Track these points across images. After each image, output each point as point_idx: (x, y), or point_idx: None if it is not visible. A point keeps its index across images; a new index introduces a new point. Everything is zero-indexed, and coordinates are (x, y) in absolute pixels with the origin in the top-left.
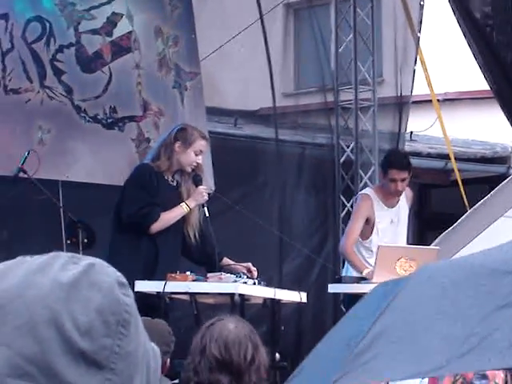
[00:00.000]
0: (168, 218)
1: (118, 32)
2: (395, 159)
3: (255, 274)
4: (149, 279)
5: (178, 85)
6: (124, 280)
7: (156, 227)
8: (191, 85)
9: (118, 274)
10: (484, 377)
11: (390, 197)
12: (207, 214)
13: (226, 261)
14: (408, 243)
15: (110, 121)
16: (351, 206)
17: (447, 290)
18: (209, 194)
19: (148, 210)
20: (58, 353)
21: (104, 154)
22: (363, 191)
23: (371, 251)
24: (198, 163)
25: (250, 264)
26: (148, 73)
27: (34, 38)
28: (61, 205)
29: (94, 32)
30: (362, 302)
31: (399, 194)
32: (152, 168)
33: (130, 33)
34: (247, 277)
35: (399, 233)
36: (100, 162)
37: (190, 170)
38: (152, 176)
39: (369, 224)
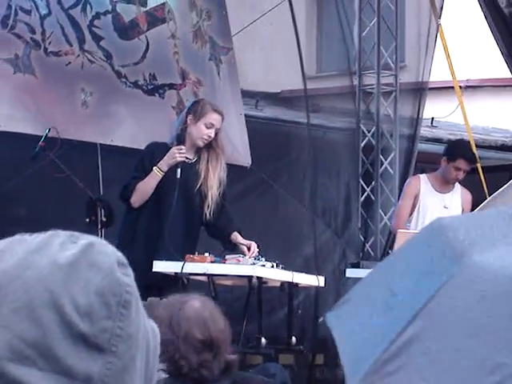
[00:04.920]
0: (143, 187)
1: (152, 3)
2: (468, 151)
3: (253, 253)
4: (151, 257)
5: (214, 57)
6: (124, 260)
7: (135, 199)
8: (225, 59)
9: (118, 253)
10: None
11: (443, 184)
12: (178, 176)
13: (235, 237)
14: None
15: (150, 87)
16: (371, 191)
17: (486, 301)
18: (245, 167)
19: (126, 183)
20: (58, 336)
21: (146, 120)
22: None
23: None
24: (210, 136)
25: (252, 243)
26: (184, 43)
27: (70, 4)
28: (98, 175)
29: (128, 1)
30: (409, 250)
31: (455, 182)
32: (157, 146)
33: (163, 4)
34: (257, 258)
35: None
36: (142, 128)
37: (201, 143)
38: (154, 153)
39: (414, 202)
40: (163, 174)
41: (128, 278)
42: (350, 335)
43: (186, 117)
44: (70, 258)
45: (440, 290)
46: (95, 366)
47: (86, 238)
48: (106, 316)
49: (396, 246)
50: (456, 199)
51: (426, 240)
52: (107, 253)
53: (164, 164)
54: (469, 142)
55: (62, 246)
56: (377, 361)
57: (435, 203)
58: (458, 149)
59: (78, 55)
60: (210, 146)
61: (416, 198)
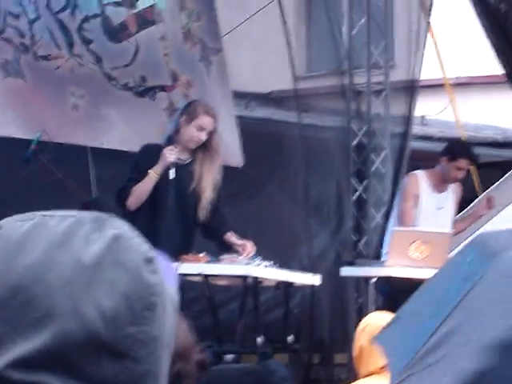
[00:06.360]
0: (139, 190)
1: (141, 4)
2: (469, 150)
3: (249, 253)
4: None
5: (204, 58)
6: (151, 254)
7: (131, 202)
8: (215, 60)
9: (145, 247)
10: None
11: (442, 183)
12: (171, 177)
13: (229, 237)
14: None
15: (140, 89)
16: (363, 190)
17: None
18: (237, 168)
19: (122, 186)
20: (78, 346)
21: (137, 122)
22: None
23: None
24: (200, 139)
25: (248, 243)
26: (174, 45)
27: (58, 8)
28: (90, 178)
29: (117, 4)
30: (447, 268)
31: (455, 182)
32: (152, 147)
33: (152, 6)
34: (256, 257)
35: (445, 219)
36: (133, 130)
37: (192, 146)
38: (149, 155)
39: (415, 202)
40: (158, 176)
41: (155, 275)
42: (397, 345)
43: (180, 118)
44: (94, 257)
45: (476, 286)
46: (111, 372)
47: (111, 226)
48: (130, 321)
49: (392, 245)
50: (450, 199)
51: (467, 254)
52: (134, 248)
53: (159, 166)
54: (465, 141)
55: (86, 237)
56: (416, 354)
57: (431, 204)
58: (459, 148)
59: (68, 59)
60: (205, 147)
61: (417, 197)
